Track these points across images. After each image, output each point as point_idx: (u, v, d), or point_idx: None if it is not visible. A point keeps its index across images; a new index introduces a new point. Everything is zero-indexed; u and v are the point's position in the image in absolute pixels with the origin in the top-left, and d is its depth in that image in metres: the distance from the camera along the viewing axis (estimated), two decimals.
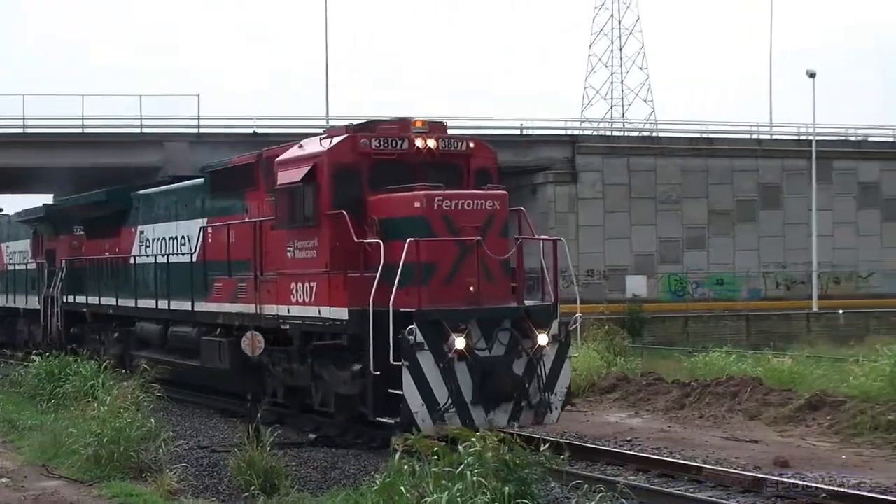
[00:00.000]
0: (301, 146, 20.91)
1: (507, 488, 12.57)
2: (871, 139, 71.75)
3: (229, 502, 15.89)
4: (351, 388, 19.39)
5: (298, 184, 20.05)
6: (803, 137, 67.15)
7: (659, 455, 18.75)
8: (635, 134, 74.45)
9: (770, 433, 21.18)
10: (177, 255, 26.12)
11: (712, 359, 30.61)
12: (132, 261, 28.81)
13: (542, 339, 18.89)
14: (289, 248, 20.62)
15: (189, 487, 16.52)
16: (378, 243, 18.56)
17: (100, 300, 30.62)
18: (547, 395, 18.93)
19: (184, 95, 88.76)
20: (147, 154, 56.11)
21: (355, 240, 18.96)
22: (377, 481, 14.01)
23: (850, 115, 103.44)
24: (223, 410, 24.89)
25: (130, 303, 28.49)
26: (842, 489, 15.42)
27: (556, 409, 19.13)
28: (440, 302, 18.40)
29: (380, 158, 19.81)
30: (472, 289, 18.68)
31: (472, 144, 20.71)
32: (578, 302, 20.69)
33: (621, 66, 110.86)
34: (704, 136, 67.39)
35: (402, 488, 13.09)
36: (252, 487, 15.79)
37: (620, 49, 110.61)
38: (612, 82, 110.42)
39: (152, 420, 18.54)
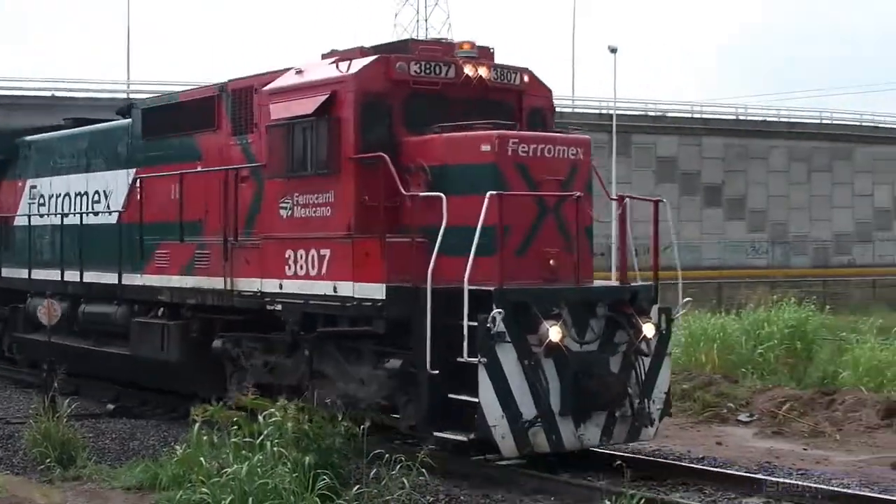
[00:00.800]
0: (300, 71, 16.33)
1: (307, 458, 12.63)
2: (669, 114, 73.59)
3: (24, 475, 15.50)
4: (377, 391, 15.17)
5: (308, 118, 15.49)
6: (604, 111, 68.47)
7: None
8: None
9: None
10: (90, 214, 21.67)
11: None
12: (23, 222, 24.17)
13: (649, 329, 14.95)
14: (283, 205, 16.19)
15: None
16: (440, 197, 14.14)
17: None
18: (646, 402, 14.94)
19: None
20: None
21: (403, 192, 14.72)
22: (177, 452, 13.98)
23: (651, 91, 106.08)
24: (18, 381, 24.28)
25: (21, 273, 23.98)
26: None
27: (655, 420, 15.11)
28: (515, 278, 14.39)
29: (418, 89, 15.56)
30: (551, 262, 14.81)
31: (526, 78, 16.68)
32: (680, 283, 16.71)
33: (426, 35, 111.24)
34: None
35: (203, 459, 13.07)
36: (48, 460, 15.48)
37: (426, 19, 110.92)
38: None
39: None
